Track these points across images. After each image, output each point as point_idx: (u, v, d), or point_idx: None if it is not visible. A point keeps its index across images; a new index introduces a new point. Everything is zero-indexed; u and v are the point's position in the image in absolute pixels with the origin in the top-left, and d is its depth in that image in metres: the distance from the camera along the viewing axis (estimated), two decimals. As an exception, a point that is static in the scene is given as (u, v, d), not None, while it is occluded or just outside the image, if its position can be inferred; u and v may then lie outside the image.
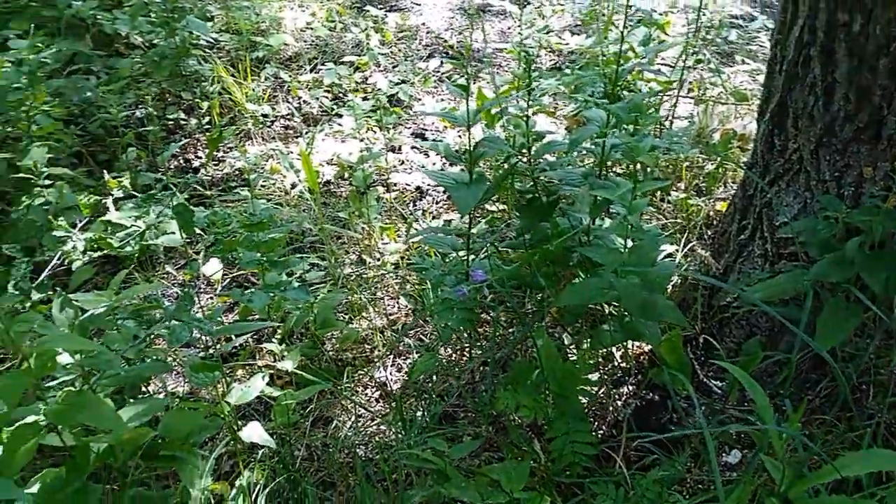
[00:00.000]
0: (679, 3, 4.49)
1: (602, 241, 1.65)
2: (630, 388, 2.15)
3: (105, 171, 3.28)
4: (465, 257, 1.98)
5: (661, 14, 3.87)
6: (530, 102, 1.93)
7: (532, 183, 1.98)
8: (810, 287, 1.69)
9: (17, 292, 1.47)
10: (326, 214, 3.15)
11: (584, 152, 2.07)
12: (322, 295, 2.44)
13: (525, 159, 1.97)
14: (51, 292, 1.79)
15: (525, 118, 1.91)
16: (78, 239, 2.28)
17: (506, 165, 1.94)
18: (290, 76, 4.33)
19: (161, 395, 2.07)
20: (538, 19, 4.71)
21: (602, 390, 2.09)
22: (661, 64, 3.80)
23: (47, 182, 2.57)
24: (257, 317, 2.48)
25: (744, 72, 3.89)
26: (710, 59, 3.53)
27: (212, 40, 4.25)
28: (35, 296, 1.71)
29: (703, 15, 3.30)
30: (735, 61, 4.08)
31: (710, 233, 2.66)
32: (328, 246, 2.88)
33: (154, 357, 1.83)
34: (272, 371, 2.20)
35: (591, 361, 2.10)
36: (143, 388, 2.19)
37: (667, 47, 2.97)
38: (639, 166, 2.10)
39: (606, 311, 2.02)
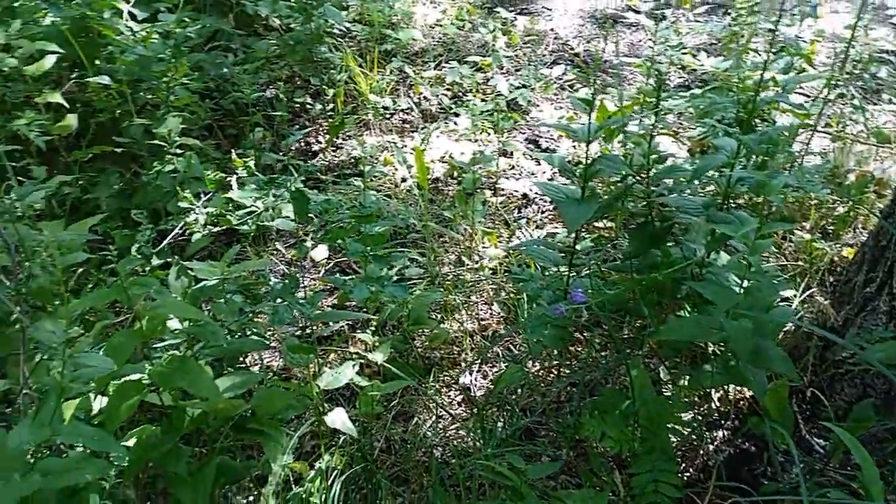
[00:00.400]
0: (827, 32, 4.23)
1: (716, 278, 1.57)
2: (725, 433, 2.04)
3: (232, 147, 3.45)
4: (566, 274, 1.93)
5: (806, 42, 3.65)
6: (656, 122, 1.86)
7: (646, 206, 1.91)
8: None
9: (139, 256, 1.56)
10: (431, 212, 3.18)
11: (707, 181, 1.98)
12: (418, 292, 2.46)
13: (642, 181, 1.90)
14: (170, 259, 1.89)
15: (648, 138, 1.84)
16: (200, 212, 2.40)
17: (620, 185, 1.88)
18: (414, 71, 4.39)
19: (256, 369, 2.15)
20: (672, 35, 4.55)
21: (694, 431, 1.99)
22: (799, 93, 3.58)
23: (178, 151, 2.72)
24: (354, 304, 2.54)
25: (889, 111, 3.61)
26: (854, 95, 3.30)
27: (344, 29, 4.37)
28: (155, 261, 1.82)
29: (852, 48, 3.08)
30: (881, 100, 3.79)
31: (832, 280, 2.49)
32: (429, 244, 2.89)
33: (255, 332, 1.90)
34: (362, 360, 2.24)
35: (687, 400, 2.01)
36: (241, 359, 2.28)
37: (809, 78, 2.79)
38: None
39: (710, 350, 1.93)
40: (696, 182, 2.03)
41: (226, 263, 1.75)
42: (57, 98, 2.77)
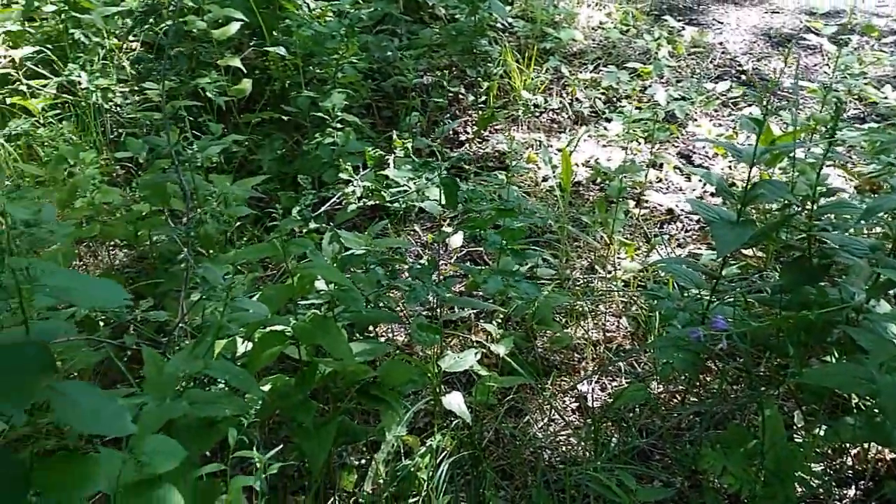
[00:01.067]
0: None
1: (873, 326, 1.45)
2: (857, 493, 1.90)
3: (386, 127, 3.58)
4: (708, 299, 1.86)
5: None
6: (828, 152, 1.74)
7: (805, 240, 1.80)
8: None
9: (298, 217, 1.67)
10: (570, 215, 3.15)
11: (876, 222, 1.84)
12: (546, 292, 2.45)
13: (804, 212, 1.79)
14: (325, 224, 2.00)
15: (817, 168, 1.74)
16: (357, 184, 2.51)
17: (780, 213, 1.78)
18: (570, 72, 4.36)
19: (383, 340, 2.23)
20: (855, 63, 4.24)
21: (823, 485, 1.87)
22: None
23: (339, 125, 2.86)
24: (481, 294, 2.57)
25: None
26: None
27: (507, 24, 4.41)
28: (312, 224, 1.93)
29: None
30: None
31: None
32: (563, 246, 2.87)
33: (388, 305, 1.97)
34: (483, 350, 2.27)
35: (819, 451, 1.89)
36: (371, 329, 2.38)
37: None
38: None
39: (854, 402, 1.79)
40: (863, 222, 1.89)
41: (370, 236, 1.82)
42: (236, 62, 2.99)
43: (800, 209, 1.75)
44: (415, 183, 2.42)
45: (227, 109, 3.19)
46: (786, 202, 1.81)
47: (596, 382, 2.47)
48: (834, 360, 1.65)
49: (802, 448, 1.70)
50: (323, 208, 2.50)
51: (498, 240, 1.92)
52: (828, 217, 1.85)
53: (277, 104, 3.16)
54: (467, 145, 3.93)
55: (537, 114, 4.15)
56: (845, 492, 1.95)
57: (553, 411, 2.30)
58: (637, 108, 4.07)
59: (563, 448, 2.21)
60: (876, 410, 1.54)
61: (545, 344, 2.58)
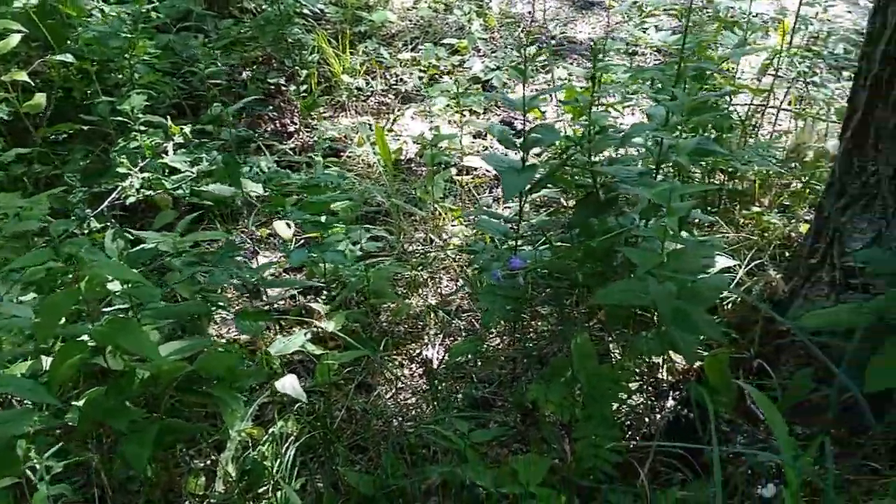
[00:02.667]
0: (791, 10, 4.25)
1: (648, 245, 1.61)
2: (673, 403, 2.09)
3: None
4: (515, 245, 1.98)
5: (771, 21, 3.68)
6: (595, 93, 1.88)
7: (592, 177, 1.95)
8: (868, 321, 1.58)
9: (73, 218, 1.59)
10: (401, 191, 3.21)
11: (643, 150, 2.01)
12: (380, 266, 2.49)
13: (583, 151, 1.93)
14: (108, 224, 1.93)
15: (588, 108, 1.88)
16: (136, 176, 2.42)
17: (563, 156, 1.92)
18: (389, 53, 4.41)
19: (224, 342, 2.19)
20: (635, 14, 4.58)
21: (643, 402, 2.04)
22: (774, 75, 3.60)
23: (142, 128, 2.75)
24: (317, 278, 2.57)
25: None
26: (815, 72, 3.33)
27: (318, 11, 4.38)
28: (95, 225, 1.85)
29: (811, 25, 3.11)
30: (844, 77, 3.82)
31: (787, 254, 2.53)
32: (396, 221, 2.93)
33: (210, 300, 1.93)
34: (321, 332, 2.28)
35: (636, 370, 2.05)
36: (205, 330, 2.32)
37: (753, 51, 2.82)
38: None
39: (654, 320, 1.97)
40: (639, 151, 2.06)
41: (178, 233, 1.78)
42: (22, 76, 2.79)
43: (577, 147, 1.88)
44: (198, 166, 2.37)
45: (25, 129, 3.00)
46: (565, 144, 1.94)
47: (440, 345, 2.55)
48: (620, 281, 1.80)
49: (617, 369, 1.84)
50: (103, 205, 2.39)
51: (301, 215, 1.93)
52: (608, 155, 2.00)
53: (78, 115, 3.00)
54: (296, 136, 3.89)
55: (363, 98, 4.18)
56: (664, 403, 2.14)
57: (399, 380, 2.36)
58: (456, 81, 4.19)
59: (414, 412, 2.27)
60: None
61: (389, 318, 2.63)
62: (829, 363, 1.57)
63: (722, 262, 1.96)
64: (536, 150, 3.66)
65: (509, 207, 3.19)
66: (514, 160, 1.89)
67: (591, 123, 1.87)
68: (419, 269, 2.73)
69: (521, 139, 1.79)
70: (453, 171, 3.10)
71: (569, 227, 1.89)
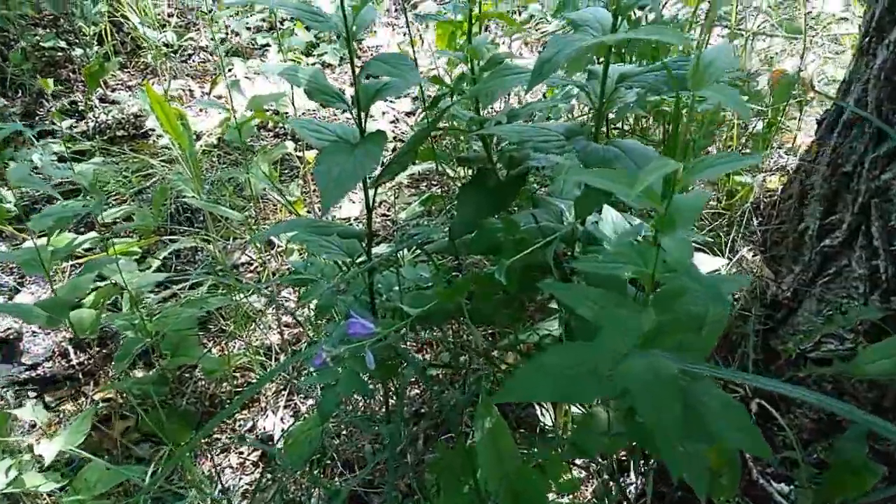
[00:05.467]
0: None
1: (600, 264, 0.80)
2: (640, 482, 1.34)
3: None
4: (364, 271, 1.15)
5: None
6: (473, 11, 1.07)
7: (483, 145, 1.14)
8: None
9: None
10: (226, 180, 2.30)
11: (570, 96, 1.23)
12: (177, 308, 1.61)
13: (470, 107, 1.13)
14: None
15: (467, 33, 1.06)
16: None
17: (435, 111, 1.09)
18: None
19: None
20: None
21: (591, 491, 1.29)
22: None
23: None
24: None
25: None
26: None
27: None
28: None
29: None
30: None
31: (757, 223, 1.83)
32: (210, 227, 2.03)
33: None
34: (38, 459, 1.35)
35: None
36: None
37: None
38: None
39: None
40: (561, 102, 1.28)
41: None
42: None
43: (454, 100, 1.07)
44: None
45: None
46: (442, 93, 1.12)
47: (284, 407, 1.72)
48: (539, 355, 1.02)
49: (547, 468, 1.07)
50: None
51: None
52: (511, 108, 1.20)
53: None
54: (91, 115, 2.90)
55: (184, 58, 3.20)
56: (626, 481, 1.40)
57: (218, 482, 1.52)
58: (307, 28, 3.28)
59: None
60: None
61: (200, 381, 1.77)
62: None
63: (707, 263, 1.21)
64: (400, 109, 2.81)
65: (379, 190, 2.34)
66: (343, 129, 1.05)
67: (473, 55, 1.06)
68: (243, 294, 1.85)
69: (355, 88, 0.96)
70: (290, 145, 2.22)
71: (450, 235, 1.08)
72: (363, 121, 1.00)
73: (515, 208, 1.27)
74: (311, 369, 1.13)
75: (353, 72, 0.97)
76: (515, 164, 1.12)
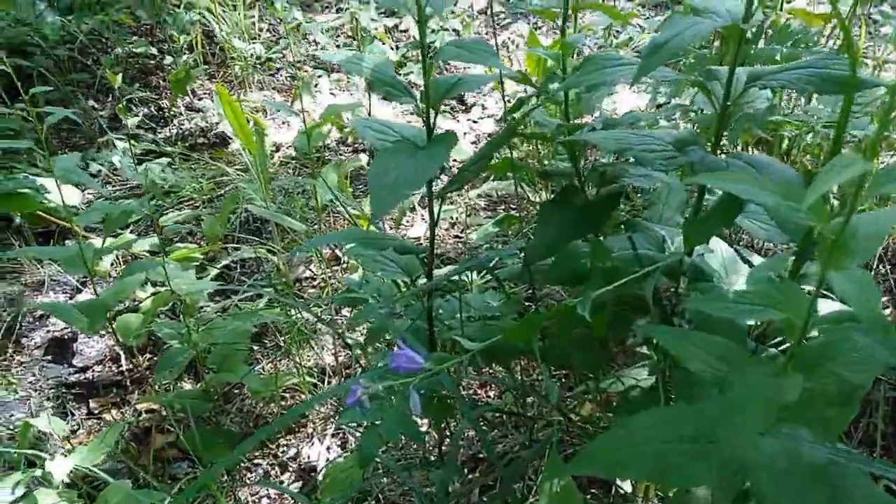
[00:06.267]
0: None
1: (725, 306, 0.62)
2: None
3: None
4: (424, 294, 1.00)
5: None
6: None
7: (570, 158, 0.98)
8: None
9: None
10: (294, 189, 2.21)
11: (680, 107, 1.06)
12: (229, 319, 1.51)
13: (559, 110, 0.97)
14: None
15: (561, 28, 0.92)
16: None
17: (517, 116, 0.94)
18: (307, 19, 3.44)
19: None
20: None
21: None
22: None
23: None
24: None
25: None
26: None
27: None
28: None
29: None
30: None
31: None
32: (276, 239, 1.94)
33: None
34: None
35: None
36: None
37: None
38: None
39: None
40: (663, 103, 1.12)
41: None
42: None
43: (540, 101, 0.92)
44: None
45: None
46: (523, 98, 0.98)
47: (332, 436, 1.59)
48: (636, 392, 0.84)
49: None
50: None
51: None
52: (603, 112, 1.04)
53: None
54: (175, 121, 2.91)
55: (270, 71, 3.20)
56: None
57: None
58: (394, 47, 3.24)
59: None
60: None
61: (246, 401, 1.66)
62: None
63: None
64: (469, 117, 2.68)
65: (455, 205, 2.21)
66: (409, 129, 0.92)
67: (564, 50, 0.91)
68: (298, 310, 1.73)
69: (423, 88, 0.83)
70: (364, 158, 2.11)
71: (525, 259, 0.93)
72: (432, 120, 0.87)
73: (601, 235, 1.10)
74: (343, 412, 0.99)
75: (424, 59, 0.84)
76: (608, 181, 0.95)
